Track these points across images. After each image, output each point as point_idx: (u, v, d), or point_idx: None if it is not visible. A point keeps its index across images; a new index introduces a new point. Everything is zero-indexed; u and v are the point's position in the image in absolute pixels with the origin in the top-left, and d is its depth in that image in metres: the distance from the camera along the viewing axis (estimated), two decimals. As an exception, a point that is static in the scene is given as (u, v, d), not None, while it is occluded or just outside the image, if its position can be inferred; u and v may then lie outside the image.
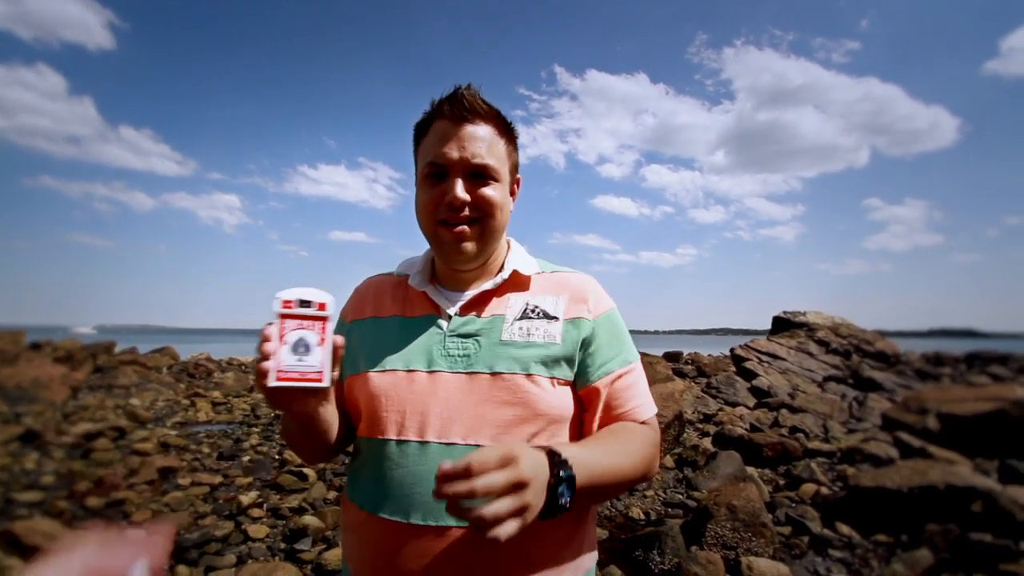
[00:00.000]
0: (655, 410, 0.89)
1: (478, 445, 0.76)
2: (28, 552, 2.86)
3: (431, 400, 0.79)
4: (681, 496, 4.03)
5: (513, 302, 0.87)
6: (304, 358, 0.66)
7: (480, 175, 0.83)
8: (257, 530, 3.33)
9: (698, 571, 2.57)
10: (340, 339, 0.69)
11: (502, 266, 0.92)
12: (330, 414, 0.80)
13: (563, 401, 0.82)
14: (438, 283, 0.91)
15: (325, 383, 0.68)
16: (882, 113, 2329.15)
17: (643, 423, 0.86)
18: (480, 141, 0.82)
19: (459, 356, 0.82)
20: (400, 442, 0.79)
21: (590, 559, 0.85)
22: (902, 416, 6.11)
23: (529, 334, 0.83)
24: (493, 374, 0.79)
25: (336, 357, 0.69)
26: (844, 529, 3.36)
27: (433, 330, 0.85)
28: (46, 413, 6.61)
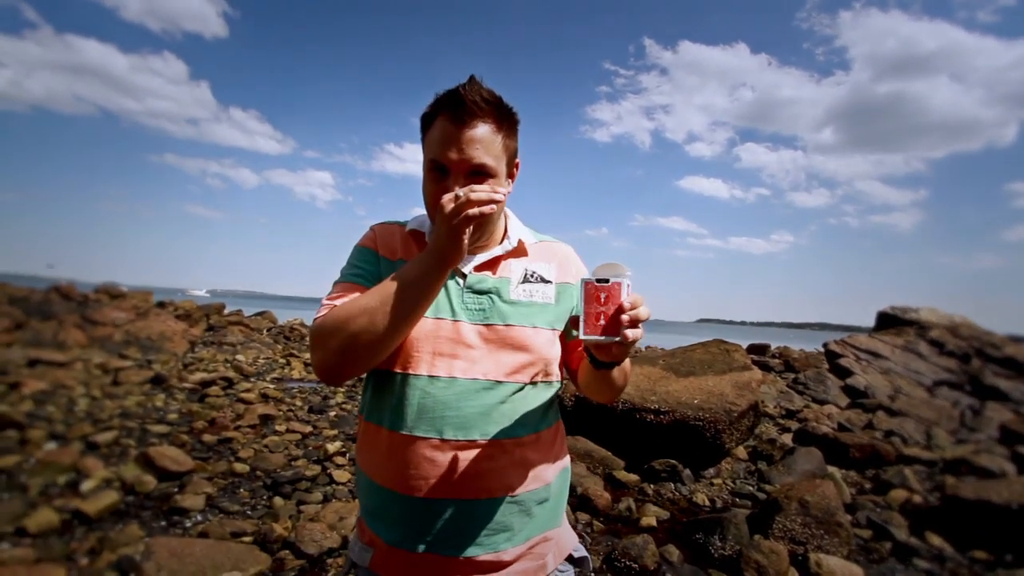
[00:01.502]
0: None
1: (496, 381, 0.95)
2: (159, 471, 3.38)
3: (457, 345, 0.95)
4: (751, 488, 3.89)
5: (515, 267, 1.04)
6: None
7: (478, 173, 0.93)
8: (341, 475, 3.68)
9: (760, 559, 2.50)
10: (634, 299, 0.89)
11: (505, 233, 1.07)
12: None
13: (556, 348, 1.03)
14: None
15: (616, 337, 0.86)
16: None
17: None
18: (477, 143, 0.92)
19: (476, 309, 0.98)
20: (432, 377, 0.93)
21: (566, 460, 1.09)
22: (1025, 429, 5.41)
23: (531, 295, 1.02)
24: (507, 325, 0.97)
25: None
26: (935, 540, 3.09)
27: (452, 285, 0.99)
28: (170, 362, 7.60)
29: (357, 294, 0.92)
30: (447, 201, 0.82)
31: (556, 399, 1.07)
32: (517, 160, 1.03)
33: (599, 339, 0.83)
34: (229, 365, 7.75)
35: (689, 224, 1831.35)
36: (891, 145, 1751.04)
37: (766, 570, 2.46)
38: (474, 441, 0.92)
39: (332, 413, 5.49)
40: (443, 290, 0.97)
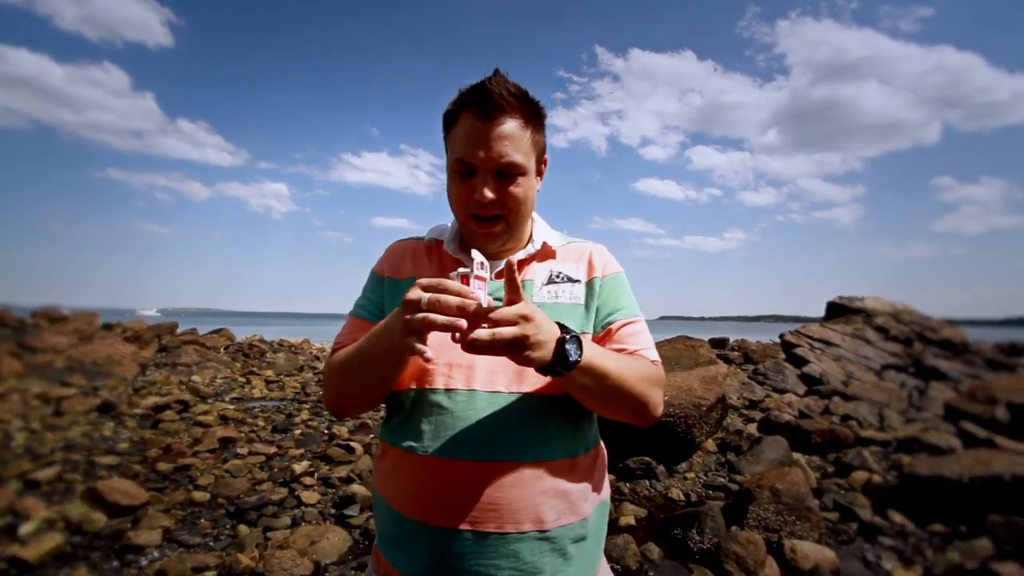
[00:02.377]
0: (660, 361, 0.94)
1: (520, 393, 0.86)
2: (110, 507, 3.15)
3: (475, 355, 0.86)
4: (723, 479, 3.97)
5: (540, 269, 0.97)
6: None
7: (506, 174, 0.88)
8: (309, 496, 3.53)
9: (738, 551, 2.54)
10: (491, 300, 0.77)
11: (530, 237, 1.00)
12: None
13: None
14: (468, 250, 0.98)
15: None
16: (957, 84, 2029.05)
17: (652, 362, 0.92)
18: (506, 140, 0.86)
19: None
20: (448, 391, 0.86)
21: (606, 492, 0.97)
22: (968, 406, 5.76)
23: (557, 296, 0.94)
24: None
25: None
26: (897, 517, 3.23)
27: None
28: (119, 387, 7.16)
29: (358, 335, 0.91)
30: (411, 300, 0.72)
31: (595, 418, 0.96)
32: (546, 156, 0.98)
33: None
34: (184, 387, 7.36)
35: (647, 225, 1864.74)
36: (830, 145, 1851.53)
37: (745, 561, 2.50)
38: (498, 463, 0.82)
39: (297, 431, 5.29)
40: None
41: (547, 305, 0.92)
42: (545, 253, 0.98)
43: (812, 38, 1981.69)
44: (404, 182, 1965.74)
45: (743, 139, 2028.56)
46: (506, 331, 0.69)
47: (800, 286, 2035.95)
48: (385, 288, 0.99)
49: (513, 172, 0.88)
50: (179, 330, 12.38)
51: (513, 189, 0.89)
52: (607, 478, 0.99)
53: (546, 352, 0.72)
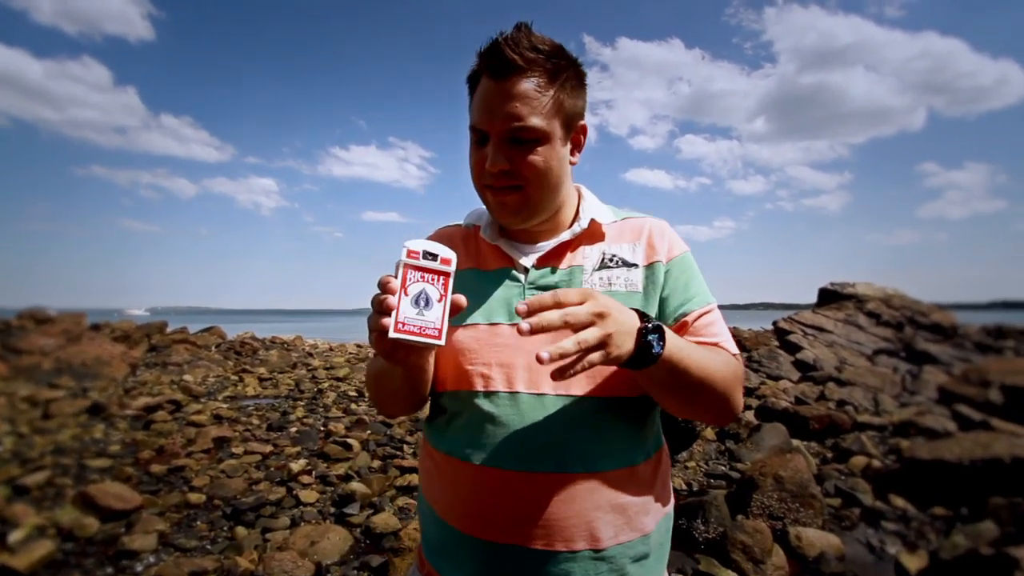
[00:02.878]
0: (740, 355, 0.84)
1: (567, 395, 0.76)
2: (102, 512, 3.07)
3: (516, 352, 0.78)
4: (724, 468, 3.97)
5: (590, 252, 0.85)
6: (424, 312, 0.64)
7: (521, 140, 0.77)
8: (308, 495, 3.47)
9: (744, 540, 2.52)
10: (462, 299, 0.66)
11: (576, 214, 0.88)
12: (431, 368, 0.82)
13: None
14: (509, 237, 0.88)
15: (441, 341, 0.64)
16: (941, 70, 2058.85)
17: (733, 356, 0.81)
18: (520, 101, 0.75)
19: None
20: (488, 393, 0.78)
21: (671, 503, 0.86)
22: (961, 389, 5.81)
23: (610, 283, 0.82)
24: None
25: (454, 315, 0.66)
26: (898, 502, 3.24)
27: (510, 283, 0.84)
28: (109, 388, 7.04)
29: None
30: (371, 322, 0.64)
31: (656, 420, 0.86)
32: (583, 123, 0.83)
33: (400, 336, 0.62)
34: (176, 387, 7.25)
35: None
36: (817, 132, 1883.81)
37: (752, 549, 2.48)
38: (546, 475, 0.74)
39: (293, 429, 5.22)
40: (501, 289, 0.84)
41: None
42: (595, 233, 0.86)
43: (799, 25, 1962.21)
44: (393, 175, 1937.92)
45: (731, 127, 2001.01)
46: (590, 336, 0.59)
47: (790, 273, 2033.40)
48: None
49: (528, 138, 0.77)
50: (169, 329, 12.21)
51: (532, 158, 0.77)
52: (671, 486, 0.88)
53: (629, 346, 0.63)
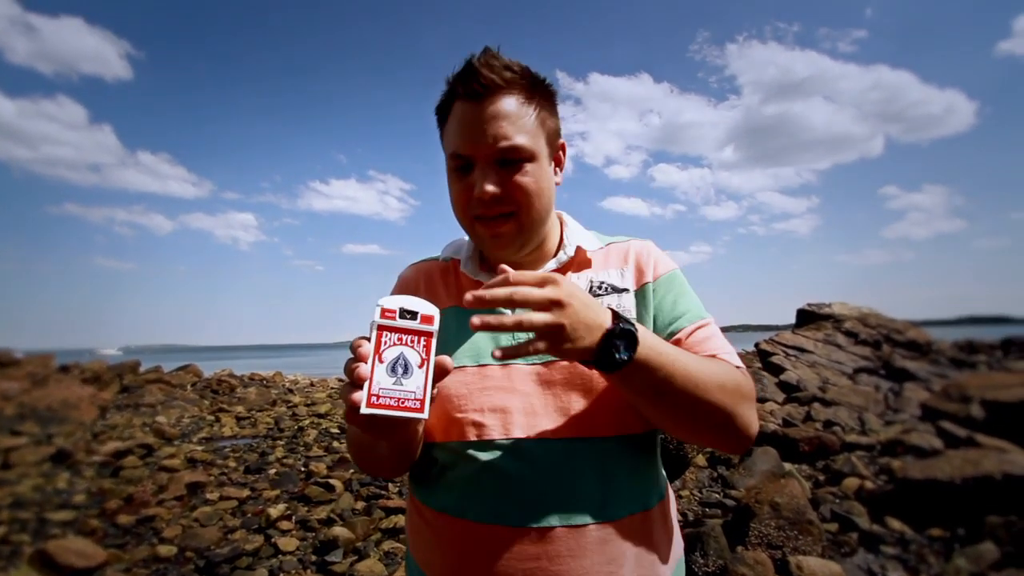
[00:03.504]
0: (746, 369, 0.76)
1: (568, 438, 0.70)
2: (62, 571, 2.85)
3: (510, 395, 0.72)
4: (718, 495, 3.89)
5: (577, 281, 0.80)
6: (403, 380, 0.56)
7: (510, 161, 0.73)
8: (287, 543, 3.29)
9: (746, 572, 2.44)
10: (448, 361, 0.58)
11: (560, 244, 0.84)
12: (422, 427, 0.74)
13: None
14: (491, 270, 0.83)
15: (424, 414, 0.56)
16: (894, 100, 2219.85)
17: (736, 368, 0.74)
18: (504, 120, 0.72)
19: None
20: (483, 442, 0.71)
21: (679, 548, 0.81)
22: (943, 405, 5.87)
23: None
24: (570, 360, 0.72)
25: (438, 380, 0.58)
26: (895, 524, 3.20)
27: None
28: (76, 433, 6.69)
29: None
30: (343, 394, 0.57)
31: (659, 458, 0.80)
32: (562, 141, 0.81)
33: (375, 411, 0.54)
34: (148, 429, 6.93)
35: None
36: (783, 159, 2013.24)
37: (752, 583, 2.40)
38: (555, 529, 0.67)
39: (272, 471, 4.99)
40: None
41: None
42: (581, 260, 0.82)
43: (759, 59, 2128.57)
44: (374, 208, 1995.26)
45: (702, 156, 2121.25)
46: (536, 318, 0.55)
47: (767, 295, 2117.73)
48: None
49: (517, 158, 0.73)
50: (142, 368, 11.78)
51: (520, 179, 0.73)
52: (678, 526, 0.82)
53: (587, 342, 0.57)
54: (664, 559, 0.74)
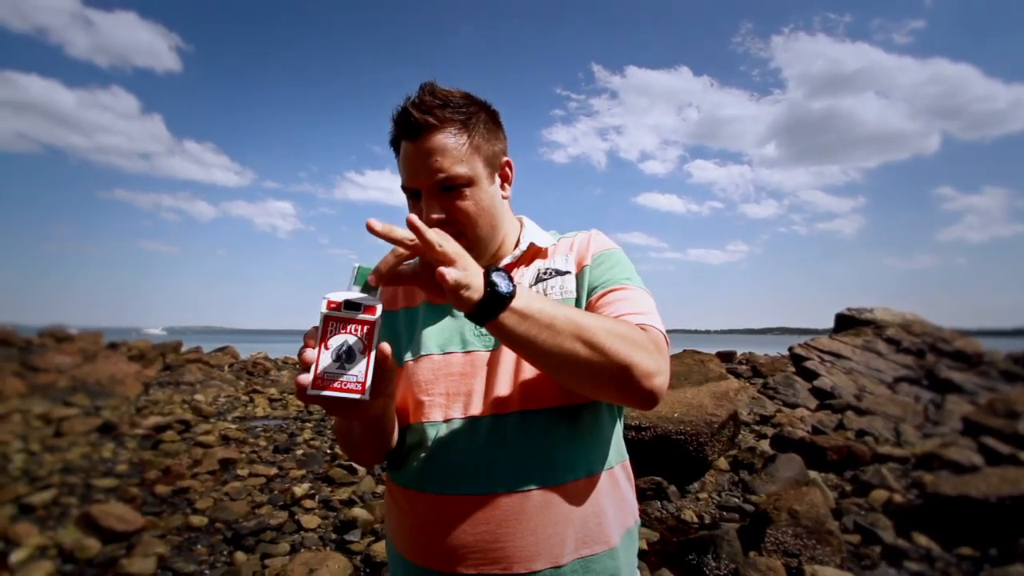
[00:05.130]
0: (659, 326, 0.75)
1: (519, 412, 0.77)
2: (104, 533, 3.06)
3: (472, 379, 0.80)
4: (737, 500, 3.83)
5: (527, 271, 0.89)
6: (346, 366, 0.62)
7: (450, 188, 0.81)
8: (309, 520, 3.42)
9: (757, 578, 2.41)
10: (387, 347, 0.64)
11: (517, 244, 0.92)
12: (393, 416, 0.81)
13: None
14: None
15: (365, 395, 0.62)
16: (954, 95, 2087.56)
17: (637, 325, 0.74)
18: (438, 155, 0.79)
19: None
20: (447, 421, 0.79)
21: (631, 518, 0.85)
22: (987, 420, 5.59)
23: (546, 293, 0.84)
24: None
25: (383, 368, 0.65)
26: (922, 540, 3.08)
27: (458, 312, 0.83)
28: (121, 407, 7.10)
29: None
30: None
31: (615, 427, 0.85)
32: (506, 159, 0.88)
33: (319, 392, 0.60)
34: (187, 406, 7.29)
35: (649, 239, 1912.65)
36: (829, 157, 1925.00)
37: (764, 589, 2.37)
38: (500, 495, 0.74)
39: (299, 451, 5.19)
40: (452, 319, 0.85)
41: None
42: (534, 254, 0.91)
43: (807, 52, 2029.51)
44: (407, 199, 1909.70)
45: (742, 152, 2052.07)
46: (429, 235, 0.60)
47: (807, 298, 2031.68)
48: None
49: (456, 184, 0.80)
50: (184, 348, 12.37)
51: (461, 203, 0.81)
52: (635, 499, 0.87)
53: (478, 285, 0.62)
54: (609, 524, 0.78)
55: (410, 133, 0.80)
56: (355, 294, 0.64)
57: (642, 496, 3.78)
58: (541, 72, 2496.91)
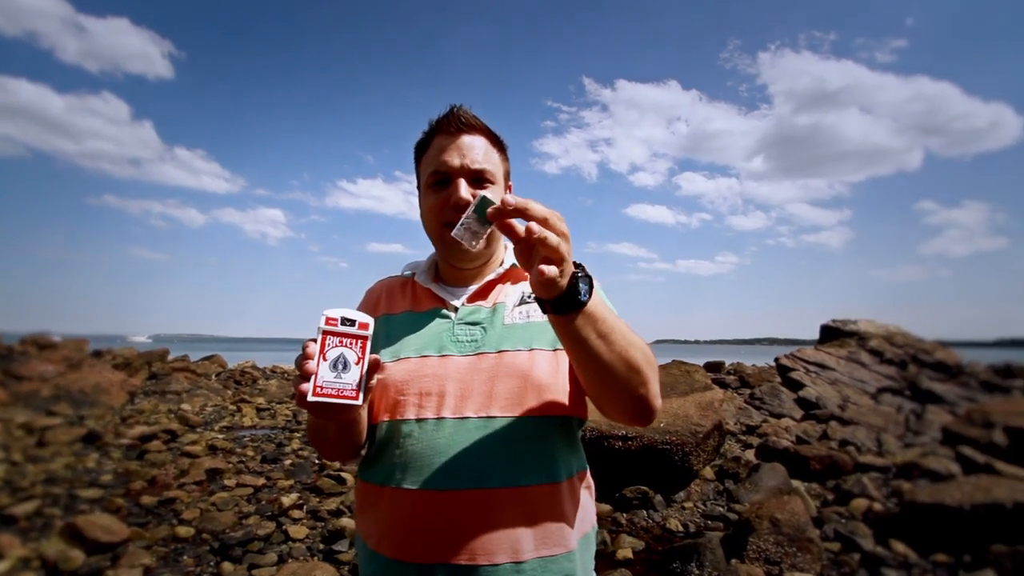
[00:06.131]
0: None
1: (489, 417, 0.83)
2: (89, 544, 3.04)
3: (445, 381, 0.85)
4: (721, 509, 3.89)
5: (511, 291, 0.96)
6: (342, 375, 0.70)
7: (479, 179, 0.91)
8: (297, 531, 3.42)
9: (739, 585, 2.46)
10: (377, 358, 0.74)
11: (501, 262, 1.01)
12: (364, 416, 0.87)
13: (563, 373, 0.87)
14: (442, 281, 1.00)
15: (359, 401, 0.71)
16: (936, 113, 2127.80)
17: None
18: (477, 149, 0.92)
19: (468, 341, 0.89)
20: (419, 420, 0.84)
21: (589, 524, 0.90)
22: (965, 430, 5.72)
23: (528, 316, 0.91)
24: (499, 352, 0.87)
25: (372, 375, 0.73)
26: (899, 547, 3.16)
27: (441, 320, 0.93)
28: (106, 416, 7.01)
29: None
30: (294, 385, 0.73)
31: (577, 440, 0.92)
32: (510, 183, 1.02)
33: (319, 399, 0.68)
34: (173, 416, 7.22)
35: (639, 249, 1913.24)
36: (815, 171, 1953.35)
37: (745, 596, 2.43)
38: (467, 492, 0.79)
39: (288, 461, 5.17)
40: (432, 326, 0.92)
41: (518, 326, 0.90)
42: (516, 275, 0.98)
43: (792, 69, 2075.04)
44: (399, 208, 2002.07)
45: (730, 165, 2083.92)
46: (553, 238, 0.62)
47: (793, 308, 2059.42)
48: None
49: (485, 178, 0.91)
50: (171, 357, 12.23)
51: (487, 194, 0.90)
52: (594, 508, 0.93)
53: (564, 280, 0.65)
54: (570, 527, 0.83)
55: (456, 128, 0.91)
56: (350, 311, 0.72)
57: (628, 505, 3.82)
58: (533, 84, 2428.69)
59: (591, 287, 0.69)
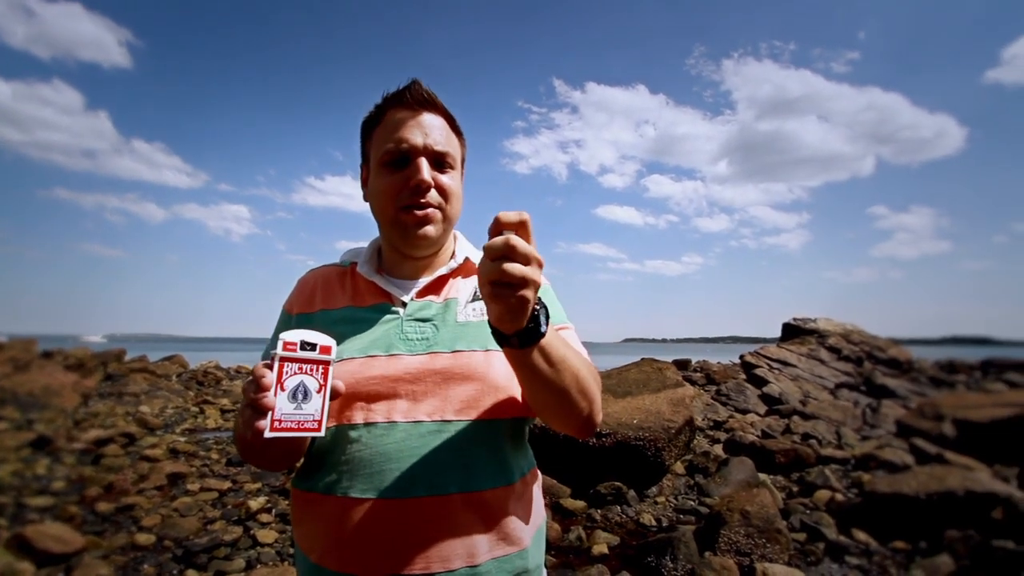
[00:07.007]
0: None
1: (444, 421, 0.78)
2: (39, 555, 2.87)
3: (396, 383, 0.79)
4: (693, 503, 3.97)
5: (463, 286, 0.90)
6: (303, 405, 0.64)
7: (440, 163, 0.85)
8: (266, 535, 3.32)
9: (712, 577, 2.52)
10: (340, 385, 0.69)
11: (452, 255, 0.94)
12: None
13: None
14: (386, 273, 0.92)
15: (321, 432, 0.65)
16: (886, 122, 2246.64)
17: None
18: (439, 130, 0.85)
19: (418, 339, 0.83)
20: (368, 425, 0.78)
21: (540, 518, 0.89)
22: (917, 422, 6.01)
23: (483, 313, 0.85)
24: (454, 352, 0.81)
25: (335, 400, 0.68)
26: (861, 536, 3.29)
27: (388, 317, 0.86)
28: (57, 420, 6.65)
29: None
30: (246, 418, 0.65)
31: (526, 438, 0.90)
32: (464, 170, 0.95)
33: (278, 435, 0.62)
34: (131, 418, 6.90)
35: (608, 249, 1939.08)
36: (776, 175, 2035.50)
37: (718, 587, 2.48)
38: (422, 499, 0.74)
39: (254, 464, 5.01)
40: (378, 323, 0.85)
41: (472, 324, 0.85)
42: (469, 269, 0.92)
43: (754, 76, 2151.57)
44: (368, 206, 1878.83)
45: (695, 169, 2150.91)
46: (518, 269, 0.58)
47: (756, 308, 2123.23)
48: (294, 325, 0.87)
49: (448, 164, 0.86)
50: (128, 357, 11.70)
51: (448, 180, 0.85)
52: (543, 500, 0.92)
53: (526, 312, 0.62)
54: (523, 528, 0.82)
55: (416, 102, 0.84)
56: (310, 333, 0.66)
57: (603, 501, 3.86)
58: (504, 84, 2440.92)
59: (548, 316, 0.67)
